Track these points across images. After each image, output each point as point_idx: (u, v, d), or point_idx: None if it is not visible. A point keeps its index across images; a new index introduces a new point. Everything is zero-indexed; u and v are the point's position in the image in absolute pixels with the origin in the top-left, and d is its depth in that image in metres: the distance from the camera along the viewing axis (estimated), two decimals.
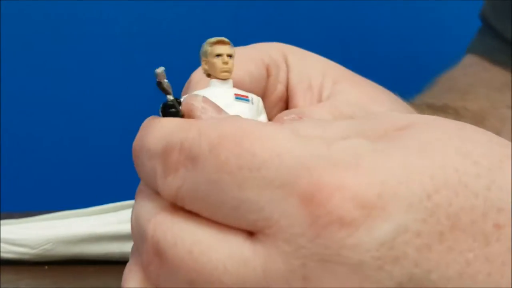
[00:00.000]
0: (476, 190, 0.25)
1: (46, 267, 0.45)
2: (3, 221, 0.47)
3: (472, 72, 0.63)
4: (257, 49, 0.41)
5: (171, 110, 0.32)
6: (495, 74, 0.62)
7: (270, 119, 0.41)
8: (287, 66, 0.41)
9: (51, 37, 1.04)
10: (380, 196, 0.24)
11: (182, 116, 0.31)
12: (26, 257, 0.46)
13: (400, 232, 0.24)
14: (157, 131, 0.29)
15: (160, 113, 0.32)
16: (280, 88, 0.41)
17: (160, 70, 0.33)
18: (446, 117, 0.48)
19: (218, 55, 0.34)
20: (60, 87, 1.06)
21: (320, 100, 0.39)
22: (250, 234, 0.26)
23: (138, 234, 0.28)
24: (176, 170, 0.27)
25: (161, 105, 0.32)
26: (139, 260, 0.28)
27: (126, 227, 0.46)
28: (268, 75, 0.40)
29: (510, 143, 0.27)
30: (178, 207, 0.27)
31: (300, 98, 0.40)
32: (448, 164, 0.26)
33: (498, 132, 0.54)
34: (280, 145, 0.26)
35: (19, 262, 0.46)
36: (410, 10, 1.02)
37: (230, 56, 0.34)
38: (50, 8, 1.04)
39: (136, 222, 0.28)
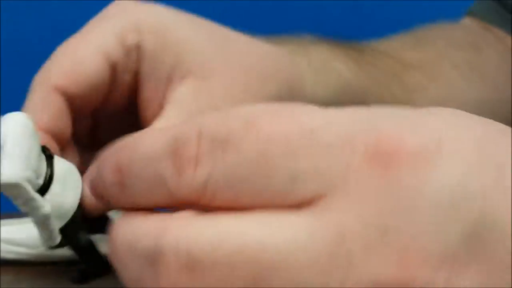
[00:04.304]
0: None
1: (47, 267, 0.45)
2: (3, 221, 0.47)
3: (449, 28, 0.62)
4: (104, 35, 0.40)
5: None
6: (468, 33, 0.62)
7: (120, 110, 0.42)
8: (140, 52, 0.40)
9: (51, 37, 1.04)
10: (439, 144, 0.23)
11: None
12: (26, 257, 0.45)
13: (467, 172, 0.23)
14: (154, 135, 0.25)
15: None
16: (127, 79, 0.41)
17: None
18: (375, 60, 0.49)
19: None
20: None
21: (165, 97, 0.40)
22: (297, 207, 0.23)
23: (137, 260, 0.23)
24: (198, 161, 0.23)
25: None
26: None
27: None
28: (112, 73, 0.40)
29: None
30: (196, 209, 0.23)
31: (148, 91, 0.41)
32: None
33: (423, 87, 0.54)
34: (325, 113, 0.24)
35: (19, 262, 0.46)
36: None
37: None
38: (51, 8, 1.04)
39: (131, 249, 0.24)
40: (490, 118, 0.56)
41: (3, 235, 0.46)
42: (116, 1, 0.43)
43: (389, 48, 0.56)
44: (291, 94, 0.44)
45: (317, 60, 0.48)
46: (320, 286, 0.22)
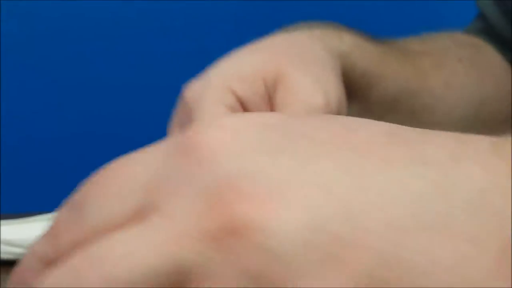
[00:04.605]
0: None
1: None
2: (3, 221, 0.47)
3: (451, 32, 0.64)
4: (217, 97, 0.44)
5: None
6: (469, 37, 0.64)
7: None
8: (244, 101, 0.45)
9: (51, 37, 1.04)
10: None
11: None
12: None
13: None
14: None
15: None
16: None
17: None
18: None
19: None
20: (60, 88, 1.06)
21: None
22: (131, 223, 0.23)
23: None
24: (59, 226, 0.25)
25: None
26: None
27: None
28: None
29: None
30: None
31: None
32: None
33: (425, 72, 0.57)
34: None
35: (17, 263, 0.46)
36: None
37: None
38: (50, 8, 1.04)
39: None
40: (490, 114, 0.58)
41: (3, 236, 0.46)
42: (192, 83, 0.46)
43: (396, 41, 0.58)
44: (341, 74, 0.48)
45: (338, 37, 0.51)
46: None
